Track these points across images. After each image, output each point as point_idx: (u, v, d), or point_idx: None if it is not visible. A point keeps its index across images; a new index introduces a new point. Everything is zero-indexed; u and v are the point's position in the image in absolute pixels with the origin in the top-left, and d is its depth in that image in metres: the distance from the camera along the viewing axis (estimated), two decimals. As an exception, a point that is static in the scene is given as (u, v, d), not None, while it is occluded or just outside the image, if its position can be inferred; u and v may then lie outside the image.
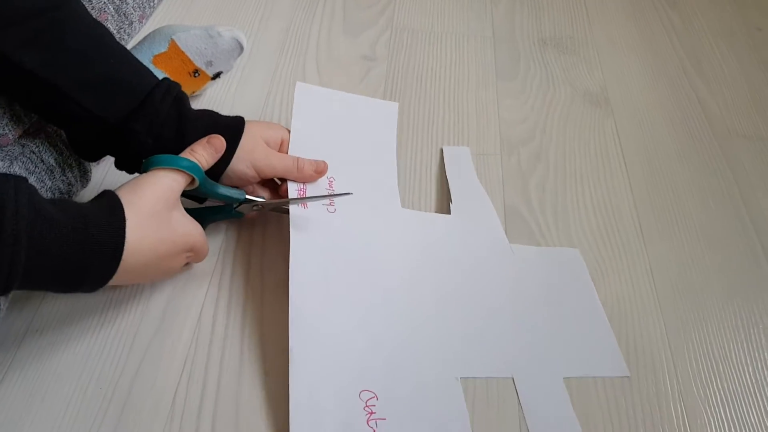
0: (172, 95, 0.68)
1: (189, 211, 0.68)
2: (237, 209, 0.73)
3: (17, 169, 0.67)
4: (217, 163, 0.69)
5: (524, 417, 0.66)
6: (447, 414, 0.64)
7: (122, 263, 0.57)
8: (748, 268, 0.83)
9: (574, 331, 0.73)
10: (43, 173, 0.70)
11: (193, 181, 0.64)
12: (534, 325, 0.73)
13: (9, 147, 0.69)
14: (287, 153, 0.77)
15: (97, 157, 0.71)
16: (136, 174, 0.65)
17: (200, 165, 0.65)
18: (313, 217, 0.73)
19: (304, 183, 0.75)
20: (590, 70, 1.11)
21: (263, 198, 0.75)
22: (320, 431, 0.60)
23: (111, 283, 0.58)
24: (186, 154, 0.65)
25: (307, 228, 0.72)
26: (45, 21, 0.62)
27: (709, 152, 0.98)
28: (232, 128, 0.72)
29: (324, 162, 0.76)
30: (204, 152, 0.65)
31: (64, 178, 0.72)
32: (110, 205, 0.58)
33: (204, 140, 0.66)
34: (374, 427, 0.62)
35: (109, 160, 0.82)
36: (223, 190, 0.70)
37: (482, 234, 0.81)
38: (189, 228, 0.65)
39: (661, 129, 1.01)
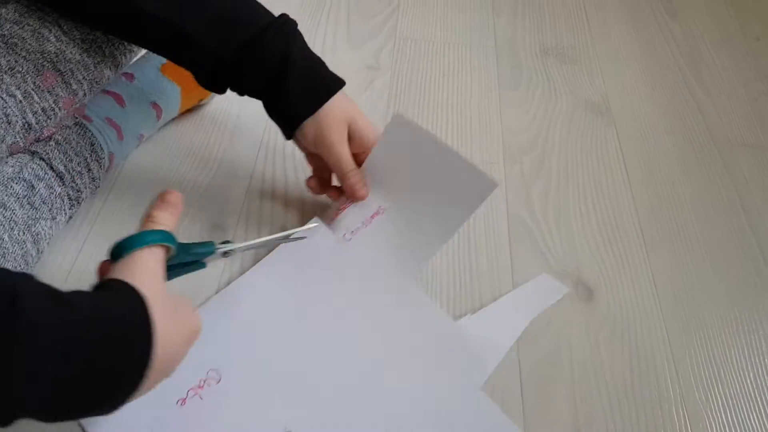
0: (283, 34, 0.70)
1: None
2: (203, 261, 0.64)
3: (27, 176, 0.68)
4: (300, 109, 0.72)
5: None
6: None
7: (155, 358, 0.47)
8: (748, 275, 0.84)
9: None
10: (53, 180, 0.71)
11: (168, 249, 0.56)
12: None
13: (19, 154, 0.70)
14: (367, 145, 0.76)
15: (222, 90, 0.73)
16: None
17: (168, 230, 0.56)
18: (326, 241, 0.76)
19: (345, 197, 0.78)
20: (592, 80, 1.12)
21: (231, 242, 0.65)
22: None
23: (143, 385, 0.48)
24: (147, 225, 0.55)
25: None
26: None
27: (709, 160, 1.00)
28: (325, 86, 0.72)
29: (368, 190, 0.77)
30: (164, 214, 0.57)
31: (74, 184, 0.73)
32: (122, 289, 0.49)
33: (158, 201, 0.58)
34: (188, 397, 0.64)
35: (114, 173, 0.84)
36: (195, 249, 0.61)
37: (466, 362, 0.72)
38: (188, 306, 0.56)
39: (662, 137, 1.02)
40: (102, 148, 0.77)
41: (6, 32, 0.68)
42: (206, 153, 0.89)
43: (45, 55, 0.69)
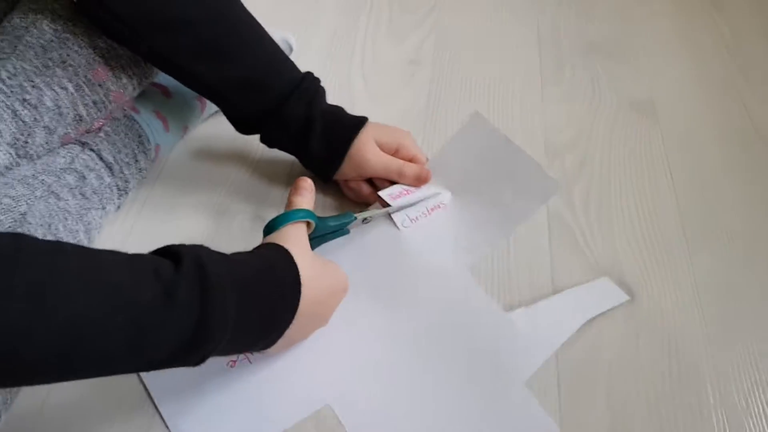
0: (306, 98, 0.77)
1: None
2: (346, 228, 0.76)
3: (78, 166, 0.70)
4: (329, 165, 0.80)
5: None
6: (282, 409, 0.65)
7: (303, 296, 0.59)
8: (794, 281, 0.83)
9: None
10: (102, 170, 0.73)
11: (309, 225, 0.67)
12: None
13: (71, 145, 0.72)
14: (406, 160, 0.81)
15: (247, 134, 0.82)
16: None
17: (308, 209, 0.67)
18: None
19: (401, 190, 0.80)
20: (636, 76, 1.11)
21: (370, 210, 0.78)
22: None
23: (294, 327, 0.59)
24: (290, 207, 0.66)
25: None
26: (205, 30, 0.72)
27: (755, 161, 0.98)
28: (342, 139, 0.79)
29: (428, 171, 0.81)
30: (301, 198, 0.67)
31: (122, 174, 0.75)
32: (277, 250, 0.60)
33: (294, 188, 0.68)
34: (238, 359, 0.67)
35: (160, 164, 0.85)
36: (335, 222, 0.73)
37: (514, 355, 0.72)
38: (334, 267, 0.67)
39: (708, 138, 1.01)
40: (149, 140, 0.79)
41: (59, 27, 0.69)
42: (247, 147, 0.90)
43: (96, 50, 0.71)
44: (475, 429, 0.65)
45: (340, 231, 0.75)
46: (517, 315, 0.74)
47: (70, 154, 0.70)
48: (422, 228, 0.79)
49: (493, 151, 0.81)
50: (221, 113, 0.92)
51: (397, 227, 0.78)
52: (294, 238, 0.62)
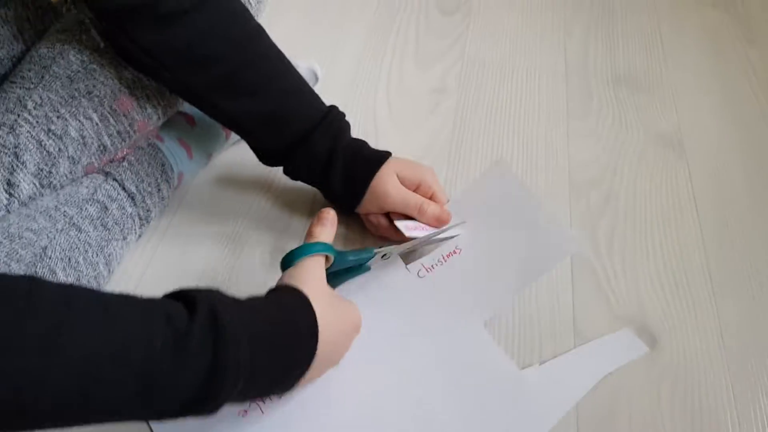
0: (331, 132, 0.78)
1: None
2: (367, 264, 0.75)
3: (100, 197, 0.70)
4: (350, 199, 0.80)
5: None
6: None
7: (320, 341, 0.58)
8: (823, 330, 0.80)
9: None
10: (125, 200, 0.73)
11: (327, 259, 0.66)
12: None
13: (94, 175, 0.72)
14: (426, 197, 0.80)
15: (271, 165, 0.82)
16: None
17: (327, 242, 0.66)
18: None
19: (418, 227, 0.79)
20: (664, 111, 1.09)
21: (390, 246, 0.75)
22: None
23: (311, 370, 0.58)
24: (310, 239, 0.66)
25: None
26: (231, 65, 0.72)
27: (786, 203, 0.96)
28: (363, 175, 0.78)
29: (448, 212, 0.80)
30: (322, 229, 0.67)
31: (144, 204, 0.75)
32: (291, 293, 0.59)
33: (316, 219, 0.68)
34: (249, 409, 0.65)
35: (182, 192, 0.86)
36: (353, 256, 0.72)
37: (530, 415, 0.70)
38: (349, 305, 0.66)
39: (738, 176, 0.99)
40: (172, 168, 0.79)
41: (86, 58, 0.70)
42: (270, 176, 0.90)
43: (122, 80, 0.71)
44: None
45: (361, 268, 0.74)
46: (532, 372, 0.72)
47: (93, 184, 0.71)
48: (438, 277, 0.78)
49: (514, 201, 0.80)
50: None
51: (413, 274, 0.77)
52: (311, 275, 0.62)
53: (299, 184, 0.83)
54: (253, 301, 0.56)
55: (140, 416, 0.49)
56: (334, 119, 0.78)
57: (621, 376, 0.73)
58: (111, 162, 0.74)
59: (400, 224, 0.78)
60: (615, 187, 0.95)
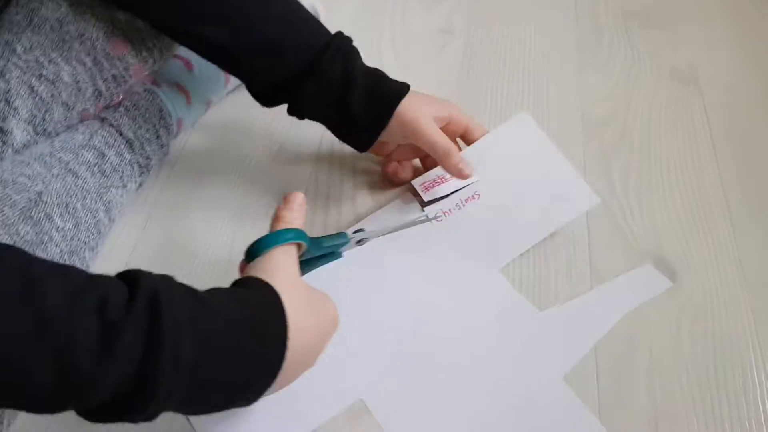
0: (342, 55, 0.70)
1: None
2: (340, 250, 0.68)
3: (97, 143, 0.68)
4: (373, 124, 0.71)
5: None
6: (315, 403, 0.62)
7: (290, 346, 0.49)
8: None
9: None
10: (122, 146, 0.71)
11: (300, 247, 0.59)
12: None
13: (90, 121, 0.70)
14: (458, 133, 0.77)
15: (272, 105, 0.73)
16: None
17: (298, 228, 0.59)
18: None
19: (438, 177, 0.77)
20: (678, 46, 1.05)
21: (364, 230, 0.68)
22: None
23: (279, 378, 0.49)
24: (278, 225, 0.58)
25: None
26: None
27: (805, 134, 0.93)
28: (389, 96, 0.71)
29: (471, 167, 0.74)
30: (293, 214, 0.59)
31: (143, 151, 0.73)
32: (260, 288, 0.51)
33: (284, 202, 0.60)
34: None
35: (182, 141, 0.83)
36: (329, 242, 0.64)
37: (548, 355, 0.68)
38: (325, 300, 0.57)
39: (754, 112, 0.95)
40: (170, 114, 0.77)
41: (75, 1, 0.67)
42: (273, 125, 0.88)
43: (115, 23, 0.69)
44: (512, 426, 0.63)
45: (333, 255, 0.66)
46: (552, 313, 0.71)
47: (89, 131, 0.69)
48: (455, 222, 0.75)
49: (536, 152, 0.78)
50: (244, 89, 0.90)
51: (429, 220, 0.73)
52: (283, 267, 0.54)
53: (304, 131, 0.81)
54: (212, 294, 0.48)
55: (62, 409, 0.41)
56: (343, 42, 0.71)
57: (639, 310, 0.71)
58: (107, 108, 0.72)
59: (417, 182, 0.76)
60: (629, 124, 0.92)
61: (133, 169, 0.71)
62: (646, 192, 0.83)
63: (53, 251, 0.60)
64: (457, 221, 0.76)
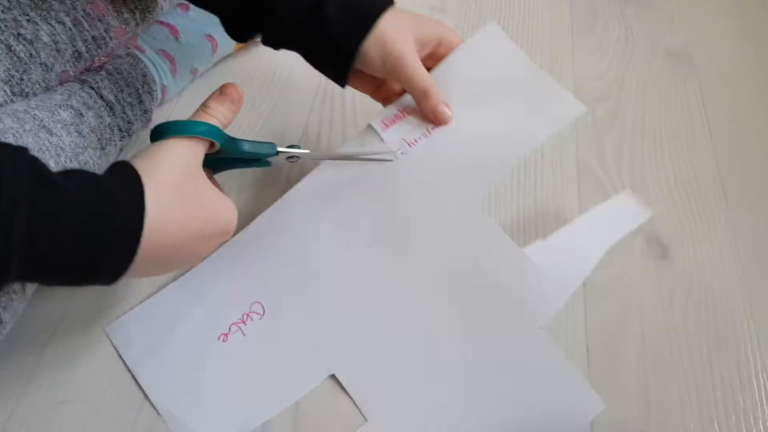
0: None
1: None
2: (268, 159, 0.62)
3: (75, 103, 0.66)
4: (343, 55, 0.62)
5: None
6: (284, 383, 0.61)
7: (145, 242, 0.46)
8: (841, 240, 0.77)
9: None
10: (102, 109, 0.68)
11: (213, 144, 0.54)
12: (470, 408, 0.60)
13: (69, 83, 0.68)
14: (446, 55, 0.67)
15: (246, 38, 0.65)
16: None
17: (219, 125, 0.55)
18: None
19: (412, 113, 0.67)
20: (673, 26, 1.04)
21: (300, 149, 0.62)
22: (203, 293, 0.64)
23: (134, 271, 0.47)
24: (198, 115, 0.54)
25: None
26: None
27: (801, 116, 0.92)
28: (367, 11, 0.62)
29: (450, 114, 0.66)
30: (221, 107, 0.55)
31: (124, 115, 0.71)
32: (125, 173, 0.48)
33: (217, 93, 0.56)
34: (230, 332, 0.62)
35: (168, 110, 0.81)
36: (251, 147, 0.59)
37: (534, 296, 0.63)
38: (219, 204, 0.54)
39: (749, 91, 0.94)
40: (154, 80, 0.75)
41: None
42: (262, 94, 0.85)
43: None
44: (495, 381, 0.60)
45: (259, 162, 0.61)
46: (534, 248, 0.64)
47: (67, 91, 0.66)
48: (422, 153, 0.65)
49: (508, 67, 0.69)
50: (235, 55, 0.88)
51: (393, 155, 0.66)
52: (169, 158, 0.50)
53: (292, 101, 0.79)
54: (66, 175, 0.45)
55: None
56: None
57: (631, 284, 0.70)
58: (88, 71, 0.70)
59: (375, 121, 0.67)
60: (622, 102, 0.90)
61: (113, 132, 0.69)
62: (639, 169, 0.82)
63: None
64: (426, 151, 0.66)
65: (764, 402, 0.63)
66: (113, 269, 0.47)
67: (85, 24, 0.67)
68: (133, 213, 0.46)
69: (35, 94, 0.65)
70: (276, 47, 0.65)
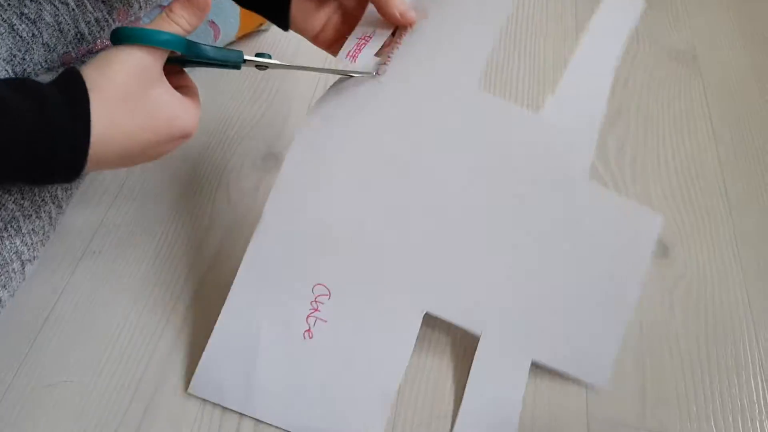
0: None
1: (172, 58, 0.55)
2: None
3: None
4: None
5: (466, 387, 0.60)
6: (390, 345, 0.59)
7: (93, 155, 0.47)
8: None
9: (581, 316, 0.61)
10: None
11: (173, 53, 0.52)
12: (541, 285, 0.61)
13: (71, 65, 0.67)
14: None
15: None
16: None
17: (180, 32, 0.52)
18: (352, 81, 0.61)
19: (376, 28, 0.62)
20: (677, 26, 1.04)
21: (269, 59, 0.58)
22: (261, 303, 0.59)
23: (88, 171, 0.49)
24: (161, 20, 0.51)
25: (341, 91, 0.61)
26: None
27: (803, 118, 0.91)
28: None
29: (415, 18, 0.61)
30: (184, 12, 0.52)
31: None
32: (70, 83, 0.48)
33: (186, 7, 0.52)
34: (310, 326, 0.58)
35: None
36: (216, 54, 0.55)
37: (563, 155, 0.62)
38: (175, 110, 0.52)
39: (754, 94, 0.94)
40: (156, 65, 0.74)
41: None
42: (263, 82, 0.85)
43: None
44: (562, 245, 0.60)
45: (228, 64, 0.57)
46: (550, 107, 0.62)
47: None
48: (401, 64, 0.60)
49: None
50: (237, 43, 0.88)
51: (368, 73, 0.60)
52: (122, 72, 0.49)
53: (292, 92, 0.78)
54: (16, 87, 0.46)
55: None
56: None
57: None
58: (90, 53, 0.69)
59: (342, 55, 0.62)
60: (625, 101, 0.90)
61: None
62: (641, 167, 0.81)
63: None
64: (403, 61, 0.61)
65: (762, 402, 0.62)
66: (64, 177, 0.48)
67: (89, 5, 0.66)
68: (77, 133, 0.46)
69: (37, 75, 0.64)
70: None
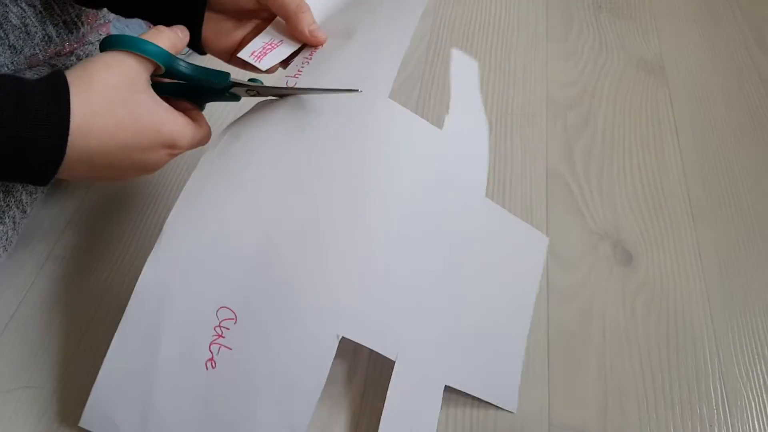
0: None
1: (175, 89, 0.56)
2: (231, 91, 0.57)
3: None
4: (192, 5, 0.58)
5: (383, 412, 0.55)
6: (301, 376, 0.51)
7: (71, 148, 0.46)
8: (801, 253, 0.78)
9: (484, 339, 0.60)
10: None
11: (158, 68, 0.52)
12: (448, 308, 0.59)
13: (38, 67, 0.67)
14: None
15: (97, 6, 0.65)
16: None
17: (170, 47, 0.52)
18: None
19: (284, 37, 0.60)
20: (646, 37, 1.05)
21: (257, 82, 0.58)
22: (159, 329, 0.52)
23: (66, 174, 0.48)
24: (152, 35, 0.51)
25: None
26: None
27: (767, 129, 0.93)
28: None
29: (325, 37, 0.61)
30: (171, 34, 0.53)
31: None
32: (52, 77, 0.47)
33: (176, 28, 0.54)
34: (213, 354, 0.51)
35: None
36: (199, 74, 0.55)
37: (462, 172, 0.61)
38: (161, 116, 0.51)
39: (718, 104, 0.95)
40: (125, 70, 0.74)
41: None
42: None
43: None
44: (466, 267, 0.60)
45: (227, 96, 0.57)
46: (447, 125, 0.61)
47: (36, 75, 0.65)
48: (310, 80, 0.57)
49: None
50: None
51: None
52: (105, 73, 0.49)
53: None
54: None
55: None
56: None
57: (594, 289, 0.71)
58: (58, 56, 0.69)
59: (245, 54, 0.59)
60: (593, 110, 0.91)
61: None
62: (607, 175, 0.82)
63: None
64: (312, 76, 0.57)
65: (721, 409, 0.63)
66: (41, 173, 0.47)
67: (57, 8, 0.66)
68: (56, 121, 0.46)
69: (4, 77, 0.64)
70: (127, 16, 0.63)
